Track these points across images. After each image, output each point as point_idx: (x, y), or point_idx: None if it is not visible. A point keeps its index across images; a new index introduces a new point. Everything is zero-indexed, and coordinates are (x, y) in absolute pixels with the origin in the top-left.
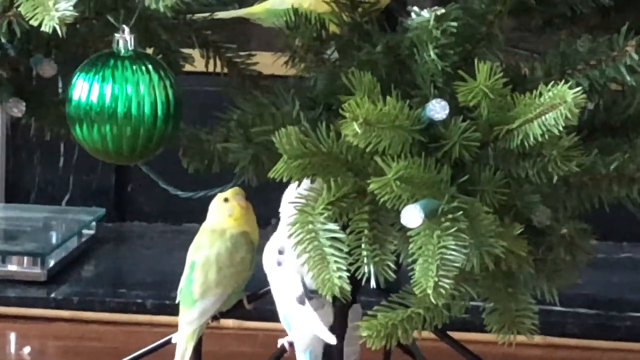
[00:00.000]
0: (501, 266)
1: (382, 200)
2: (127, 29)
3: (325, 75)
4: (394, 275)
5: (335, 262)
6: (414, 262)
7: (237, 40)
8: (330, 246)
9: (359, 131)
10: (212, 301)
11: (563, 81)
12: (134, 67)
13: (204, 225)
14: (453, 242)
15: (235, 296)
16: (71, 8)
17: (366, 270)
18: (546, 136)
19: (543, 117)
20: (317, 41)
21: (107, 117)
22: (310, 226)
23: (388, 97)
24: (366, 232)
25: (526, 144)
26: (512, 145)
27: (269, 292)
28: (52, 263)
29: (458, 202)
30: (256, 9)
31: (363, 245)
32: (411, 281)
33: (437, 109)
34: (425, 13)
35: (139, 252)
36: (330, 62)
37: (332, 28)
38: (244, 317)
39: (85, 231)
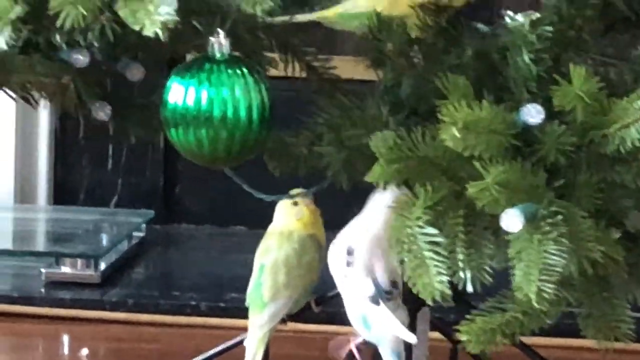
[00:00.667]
0: (597, 271)
1: (479, 204)
2: (222, 33)
3: (411, 79)
4: (490, 280)
5: (435, 266)
6: (513, 266)
7: (315, 44)
8: (429, 250)
9: (457, 135)
10: (281, 304)
11: None
12: (230, 71)
13: (271, 228)
14: (554, 247)
15: (303, 299)
16: (173, 12)
17: (462, 274)
18: None
19: None
20: (407, 45)
21: (203, 120)
22: (409, 230)
23: (484, 102)
24: (461, 236)
25: (622, 148)
26: (608, 150)
27: (337, 295)
28: (104, 265)
29: (556, 206)
30: (328, 12)
31: (459, 250)
32: (512, 285)
33: (533, 113)
34: (519, 17)
35: (189, 255)
36: (420, 66)
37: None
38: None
39: (135, 233)
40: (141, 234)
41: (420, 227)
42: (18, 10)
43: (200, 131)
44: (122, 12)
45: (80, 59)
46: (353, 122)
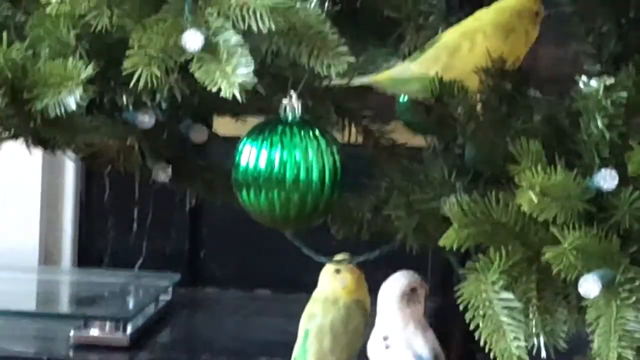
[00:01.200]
0: None
1: (555, 269)
2: (294, 95)
3: (476, 143)
4: (564, 346)
5: (512, 331)
6: (593, 332)
7: (372, 108)
8: (506, 315)
9: (534, 200)
10: None
11: None
12: (302, 133)
13: (316, 294)
14: (632, 313)
15: None
16: (252, 74)
17: (536, 340)
18: None
19: None
20: (475, 110)
21: (275, 182)
22: (485, 295)
23: (559, 167)
24: (535, 301)
25: None
26: None
27: None
28: (133, 328)
29: (633, 272)
30: (380, 77)
31: (531, 315)
32: (591, 352)
33: (607, 179)
34: (593, 82)
35: (216, 318)
36: (489, 131)
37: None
38: None
39: (161, 296)
40: (168, 297)
41: (496, 292)
42: (89, 71)
43: (272, 194)
44: (198, 74)
45: (146, 120)
46: (421, 186)
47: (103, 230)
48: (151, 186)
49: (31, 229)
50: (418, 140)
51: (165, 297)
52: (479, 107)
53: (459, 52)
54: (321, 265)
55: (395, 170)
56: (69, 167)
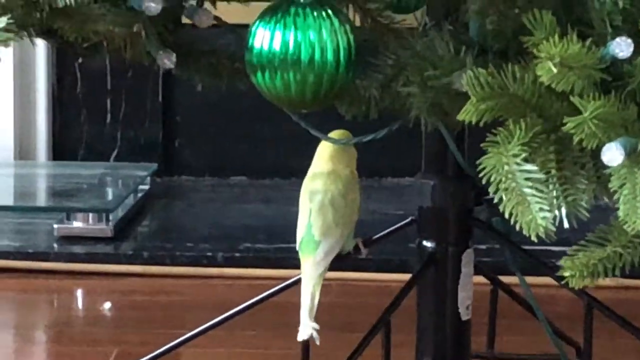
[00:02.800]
0: None
1: (576, 139)
2: None
3: (481, 17)
4: (587, 215)
5: (537, 202)
6: (617, 200)
7: None
8: (530, 187)
9: (554, 71)
10: (333, 241)
11: None
12: (315, 14)
13: (314, 170)
14: None
15: (350, 239)
16: None
17: (557, 212)
18: None
19: None
20: None
21: (290, 64)
22: (507, 167)
23: (573, 37)
24: (554, 172)
25: None
26: None
27: (383, 237)
28: (115, 219)
29: None
30: None
31: (552, 186)
32: (617, 219)
33: (623, 47)
34: None
35: (195, 206)
36: (499, 3)
37: None
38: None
39: (140, 186)
40: (146, 187)
41: (518, 164)
42: None
43: (288, 75)
44: None
45: (153, 6)
46: (432, 63)
47: (76, 123)
48: (123, 76)
49: (5, 125)
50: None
51: (143, 187)
52: None
53: None
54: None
55: (400, 48)
56: (40, 62)
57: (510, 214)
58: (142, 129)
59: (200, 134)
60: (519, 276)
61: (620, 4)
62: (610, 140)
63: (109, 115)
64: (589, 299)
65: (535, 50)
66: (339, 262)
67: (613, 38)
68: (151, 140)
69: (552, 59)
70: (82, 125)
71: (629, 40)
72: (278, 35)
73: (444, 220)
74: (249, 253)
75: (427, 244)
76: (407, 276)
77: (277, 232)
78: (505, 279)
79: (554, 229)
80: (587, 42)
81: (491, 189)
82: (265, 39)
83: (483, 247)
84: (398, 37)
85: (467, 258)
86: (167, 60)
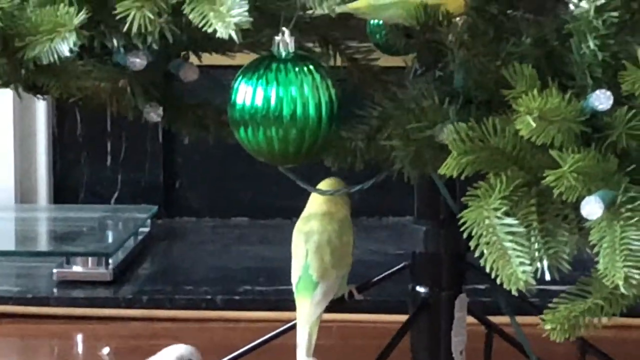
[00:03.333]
0: None
1: (556, 192)
2: (287, 32)
3: (465, 69)
4: (569, 267)
5: (517, 256)
6: (597, 254)
7: (356, 35)
8: (510, 241)
9: (533, 125)
10: (331, 282)
11: None
12: (297, 69)
13: (310, 212)
14: (636, 232)
15: (344, 283)
16: (246, 14)
17: (539, 264)
18: None
19: None
20: (464, 36)
21: (272, 120)
22: (487, 221)
23: (553, 90)
24: (536, 224)
25: None
26: None
27: (378, 282)
28: (115, 262)
29: (634, 192)
30: (360, 4)
31: (534, 239)
32: (596, 272)
33: (602, 99)
34: (584, 4)
35: (195, 248)
36: (479, 56)
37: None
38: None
39: (140, 229)
40: (146, 229)
41: (498, 217)
42: (82, 17)
43: (270, 130)
44: (192, 15)
45: (138, 61)
46: (415, 115)
47: (77, 165)
48: (123, 118)
49: (5, 169)
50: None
51: (143, 230)
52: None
53: None
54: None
55: (385, 98)
56: (41, 105)
57: (492, 268)
58: (142, 171)
59: (201, 175)
60: (512, 319)
61: (600, 56)
62: (590, 193)
63: (109, 158)
64: (582, 342)
65: (514, 104)
66: (339, 304)
67: (594, 90)
68: (152, 181)
69: (530, 112)
70: (83, 168)
71: (608, 93)
72: (260, 91)
73: (437, 265)
74: (248, 295)
75: (420, 289)
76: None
77: (277, 274)
78: (501, 318)
79: (534, 282)
80: (567, 95)
81: (472, 243)
82: (247, 94)
83: (480, 287)
84: (384, 87)
85: (461, 303)
86: (154, 114)
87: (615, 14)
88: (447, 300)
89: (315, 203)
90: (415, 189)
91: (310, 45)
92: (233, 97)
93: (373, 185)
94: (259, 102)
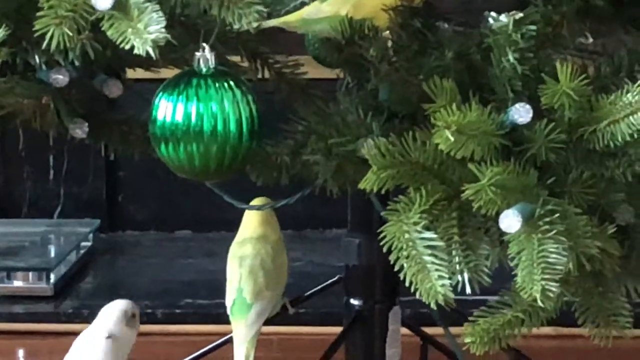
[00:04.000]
0: (593, 266)
1: (476, 206)
2: (207, 47)
3: (390, 83)
4: (489, 280)
5: (437, 270)
6: (516, 266)
7: (284, 47)
8: (430, 254)
9: (451, 139)
10: (265, 304)
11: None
12: (217, 85)
13: (243, 236)
14: (554, 245)
15: (279, 300)
16: (163, 30)
17: (460, 277)
18: (635, 135)
19: (632, 117)
20: (387, 50)
21: (193, 135)
22: (407, 235)
23: (473, 104)
24: (457, 238)
25: (612, 144)
26: (597, 146)
27: (310, 297)
28: (56, 277)
29: (552, 204)
30: (291, 17)
31: (455, 252)
32: (515, 285)
33: (522, 113)
34: (503, 18)
35: (138, 262)
36: (402, 70)
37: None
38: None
39: (82, 243)
40: (89, 244)
41: (418, 231)
42: (1, 33)
43: (191, 146)
44: (110, 32)
45: (60, 78)
46: (337, 129)
47: (20, 180)
48: (63, 135)
49: None
50: (332, 73)
51: (86, 244)
52: (389, 45)
53: None
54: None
55: (311, 113)
56: None
57: (411, 282)
58: (85, 185)
59: (144, 189)
60: (446, 331)
61: (519, 70)
62: (509, 206)
63: (51, 172)
64: (515, 353)
65: (433, 119)
66: (277, 317)
67: (514, 103)
68: (95, 195)
69: (449, 127)
70: (25, 182)
71: (528, 106)
72: (180, 106)
73: (370, 278)
74: (189, 309)
75: (354, 301)
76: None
77: (219, 287)
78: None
79: (452, 296)
80: (487, 109)
81: (392, 257)
82: (168, 110)
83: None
84: (311, 101)
85: (394, 315)
86: (79, 130)
87: (533, 27)
88: (381, 313)
89: (250, 227)
90: (349, 201)
91: (237, 59)
92: (154, 113)
93: (316, 197)
94: (179, 117)
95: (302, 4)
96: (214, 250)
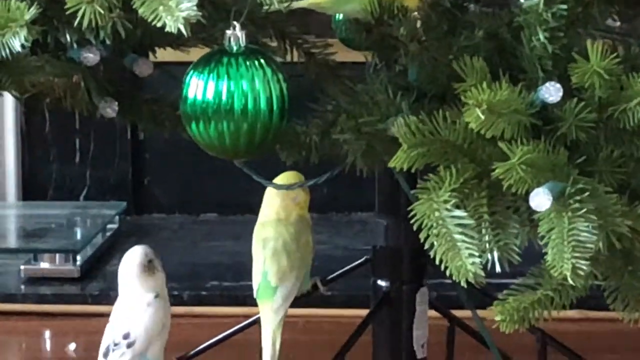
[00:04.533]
0: (622, 245)
1: (506, 184)
2: (238, 26)
3: (419, 62)
4: (518, 259)
5: (467, 248)
6: (546, 245)
7: (313, 29)
8: (460, 233)
9: (482, 117)
10: (290, 285)
11: None
12: (248, 63)
13: (265, 217)
14: (584, 224)
15: (307, 278)
16: (195, 8)
17: (489, 255)
18: None
19: None
20: (417, 30)
21: (224, 114)
22: (437, 214)
23: (503, 82)
24: (486, 217)
25: None
26: (627, 125)
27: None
28: (82, 259)
29: (582, 183)
30: None
31: (484, 231)
32: (545, 263)
33: (552, 92)
34: None
35: (164, 245)
36: (432, 49)
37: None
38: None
39: (109, 225)
40: (115, 226)
41: (448, 210)
42: (33, 11)
43: (222, 125)
44: (142, 10)
45: (91, 57)
46: (368, 109)
47: (46, 162)
48: (92, 115)
49: None
50: (359, 57)
51: (112, 226)
52: (418, 25)
53: None
54: (264, 187)
55: (339, 93)
56: (8, 102)
57: (441, 260)
58: (111, 168)
59: (169, 172)
60: (473, 312)
61: (550, 49)
62: (539, 185)
63: (78, 155)
64: (542, 334)
65: (464, 97)
66: (305, 298)
67: (544, 82)
68: (121, 178)
69: (479, 105)
70: (52, 165)
71: (558, 85)
72: (211, 85)
73: (398, 259)
74: (216, 291)
75: (382, 282)
76: None
77: (245, 270)
78: (464, 311)
79: (483, 274)
80: (518, 88)
81: (422, 235)
82: (198, 89)
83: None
84: (341, 82)
85: (422, 296)
86: (109, 109)
87: (564, 6)
88: (408, 294)
89: (269, 207)
90: (376, 183)
91: (267, 40)
92: (185, 91)
93: (342, 180)
94: (210, 96)
95: None
96: (239, 232)
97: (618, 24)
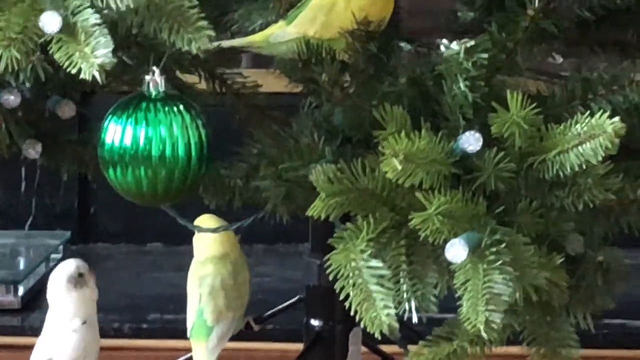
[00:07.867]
0: (540, 296)
1: (422, 234)
2: (157, 71)
3: (344, 107)
4: (435, 309)
5: (382, 299)
6: (461, 296)
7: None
8: (376, 283)
9: (399, 167)
10: (226, 325)
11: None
12: (166, 109)
13: (202, 256)
14: (499, 276)
15: (241, 319)
16: (110, 55)
17: (407, 305)
18: (584, 166)
19: (580, 147)
20: (341, 75)
21: (141, 160)
22: (354, 264)
23: (423, 131)
24: (404, 266)
25: (561, 173)
26: (547, 175)
27: (274, 314)
28: (24, 290)
29: (499, 234)
30: (256, 37)
31: (402, 280)
32: (459, 316)
33: (471, 141)
34: (454, 45)
35: (108, 275)
36: (354, 96)
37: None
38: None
39: (52, 255)
40: (59, 256)
41: (365, 260)
42: None
43: (139, 171)
44: (58, 55)
45: (12, 99)
46: (289, 154)
47: None
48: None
49: None
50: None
51: (56, 256)
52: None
53: (335, 9)
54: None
55: (265, 136)
56: None
57: (356, 311)
58: (57, 196)
59: (116, 200)
60: (405, 350)
61: (470, 98)
62: (456, 235)
63: (23, 183)
64: None
65: (381, 147)
66: (246, 331)
67: (465, 131)
68: (67, 207)
69: (396, 155)
70: None
71: (478, 135)
72: (129, 130)
73: (331, 299)
74: (156, 324)
75: (314, 322)
76: None
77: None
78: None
79: (397, 325)
80: (437, 137)
81: (337, 285)
82: (116, 134)
83: None
84: (266, 124)
85: (355, 336)
86: (32, 151)
87: (485, 55)
88: (341, 334)
89: (210, 245)
90: (309, 221)
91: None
92: (102, 136)
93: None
94: (127, 141)
95: (267, 24)
96: (184, 263)
97: (560, 61)
